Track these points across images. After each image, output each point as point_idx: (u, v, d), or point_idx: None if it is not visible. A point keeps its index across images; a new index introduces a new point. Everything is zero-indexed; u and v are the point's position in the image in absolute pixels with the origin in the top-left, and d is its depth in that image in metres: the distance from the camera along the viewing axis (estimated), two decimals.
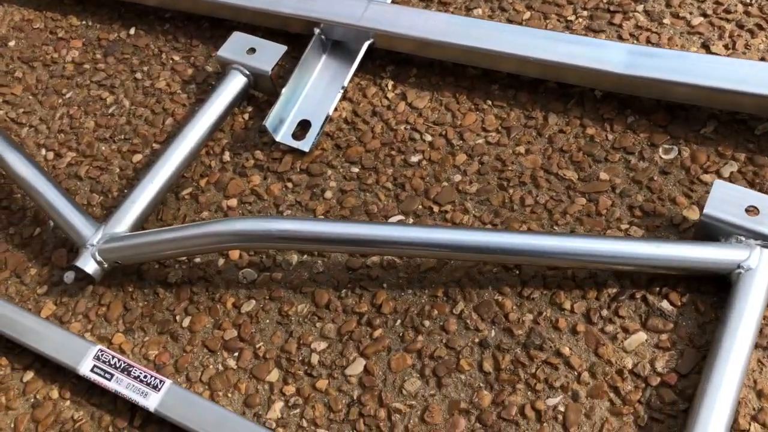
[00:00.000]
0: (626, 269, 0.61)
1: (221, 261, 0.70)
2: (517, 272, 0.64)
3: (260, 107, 0.81)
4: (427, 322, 0.63)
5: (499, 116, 0.74)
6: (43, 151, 0.84)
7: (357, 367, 0.62)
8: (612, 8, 0.79)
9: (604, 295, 0.62)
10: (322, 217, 0.71)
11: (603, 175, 0.68)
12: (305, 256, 0.69)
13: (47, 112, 0.87)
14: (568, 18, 0.80)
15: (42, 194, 0.71)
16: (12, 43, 0.96)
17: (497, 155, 0.71)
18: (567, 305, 0.62)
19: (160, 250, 0.66)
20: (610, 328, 0.60)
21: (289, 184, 0.74)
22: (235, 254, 0.70)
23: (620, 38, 0.77)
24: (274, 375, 0.63)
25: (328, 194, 0.73)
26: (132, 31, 0.93)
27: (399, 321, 0.64)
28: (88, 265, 0.67)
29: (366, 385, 0.61)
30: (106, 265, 0.68)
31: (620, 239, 0.62)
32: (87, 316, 0.70)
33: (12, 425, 0.65)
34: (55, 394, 0.66)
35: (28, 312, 0.68)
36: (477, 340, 0.62)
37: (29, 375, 0.67)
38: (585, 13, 0.79)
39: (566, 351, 0.60)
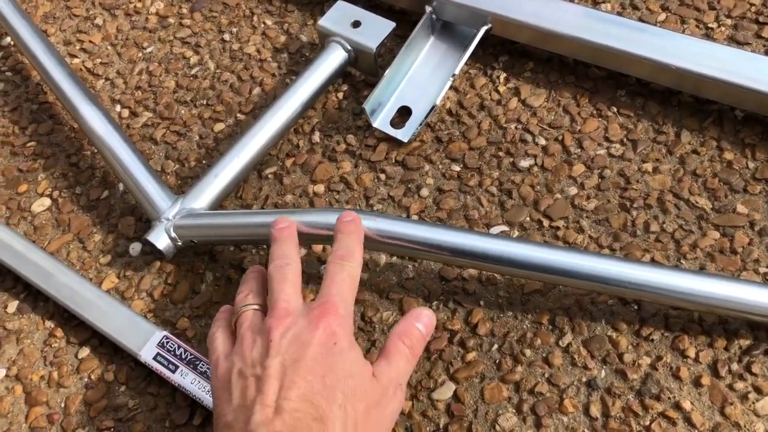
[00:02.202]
0: (761, 320, 0.53)
1: (302, 252, 0.64)
2: (636, 307, 0.57)
3: (356, 87, 0.74)
4: (528, 352, 0.56)
5: (625, 126, 0.66)
6: (118, 108, 0.78)
7: (446, 392, 0.56)
8: (761, 19, 0.70)
9: (734, 346, 0.54)
10: (416, 216, 0.65)
11: (740, 208, 0.60)
12: (394, 258, 0.62)
13: (125, 66, 0.82)
14: (709, 25, 0.71)
15: (117, 156, 0.65)
16: None
17: (620, 170, 0.64)
18: (691, 352, 0.54)
19: (243, 234, 0.60)
20: (740, 385, 0.53)
21: (382, 176, 0.67)
22: (318, 247, 0.64)
23: None
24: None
25: (424, 192, 0.66)
26: None
27: (496, 346, 0.57)
28: (161, 240, 0.62)
29: (454, 414, 0.55)
30: (179, 243, 0.62)
31: (758, 285, 0.54)
32: (151, 295, 0.64)
33: (63, 404, 0.60)
34: (110, 376, 0.60)
35: (90, 283, 0.62)
36: (584, 379, 0.55)
37: (85, 352, 0.62)
38: (729, 21, 0.71)
39: (687, 405, 0.52)
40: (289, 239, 0.54)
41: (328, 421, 0.43)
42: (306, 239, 0.57)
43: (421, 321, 0.52)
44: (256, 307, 0.51)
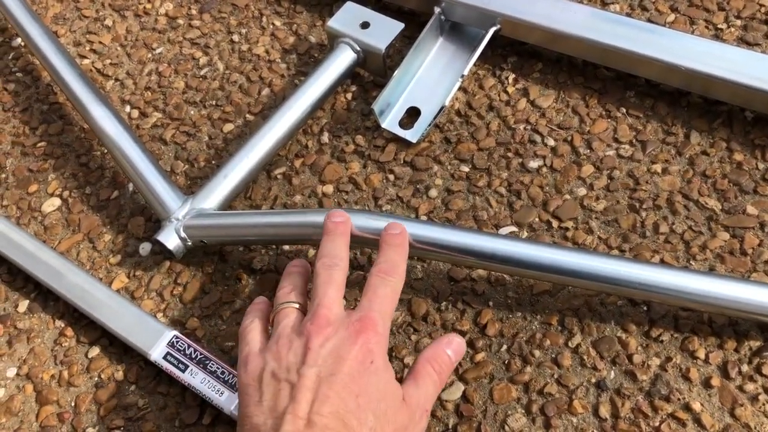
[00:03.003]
0: None
1: (312, 251, 0.64)
2: (645, 308, 0.57)
3: (365, 88, 0.74)
4: (537, 352, 0.56)
5: (634, 127, 0.66)
6: (128, 108, 0.78)
7: (455, 393, 0.56)
8: None
9: (744, 347, 0.54)
10: (425, 217, 0.65)
11: (750, 209, 0.60)
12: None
13: (135, 66, 0.82)
14: (719, 26, 0.71)
15: (127, 156, 0.66)
16: None
17: (629, 171, 0.64)
18: (701, 354, 0.54)
19: (252, 234, 0.60)
20: (750, 386, 0.53)
21: (391, 176, 0.68)
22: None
23: None
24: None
25: (433, 192, 0.66)
26: None
27: (505, 346, 0.57)
28: (171, 240, 0.62)
29: (464, 414, 0.55)
30: (189, 243, 0.62)
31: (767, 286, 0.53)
32: (161, 295, 0.64)
33: (73, 403, 0.60)
34: (120, 375, 0.61)
35: (100, 283, 0.63)
36: (594, 380, 0.55)
37: (95, 351, 0.62)
38: (738, 22, 0.71)
39: (697, 406, 0.52)
40: (343, 237, 0.53)
41: None
42: (315, 241, 0.57)
43: (452, 347, 0.52)
44: (297, 305, 0.51)
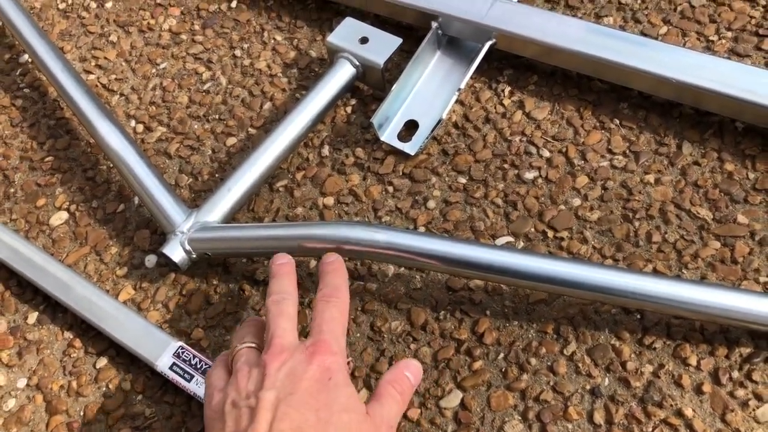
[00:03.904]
0: (761, 329, 0.55)
1: (313, 263, 0.66)
2: (639, 317, 0.58)
3: (364, 101, 0.76)
4: (533, 360, 0.58)
5: (628, 138, 0.68)
6: (133, 123, 0.80)
7: (453, 400, 0.57)
8: (761, 32, 0.71)
9: (735, 354, 0.56)
10: (423, 228, 0.66)
11: (741, 218, 0.61)
12: (402, 269, 0.64)
13: (139, 82, 0.84)
14: (710, 38, 0.72)
15: (133, 170, 0.67)
16: (109, 5, 0.92)
17: (623, 182, 0.65)
18: (693, 360, 0.56)
19: (256, 246, 0.62)
20: (740, 392, 0.54)
21: (390, 188, 0.69)
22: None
23: None
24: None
25: (431, 204, 0.67)
26: (234, 3, 0.88)
27: (502, 354, 0.59)
28: (176, 253, 0.63)
29: (462, 421, 0.56)
30: (194, 255, 0.64)
31: (758, 295, 0.55)
32: (167, 306, 0.66)
33: (82, 413, 0.62)
34: (127, 385, 0.62)
35: (107, 295, 0.64)
36: (588, 387, 0.56)
37: (103, 362, 0.64)
38: (729, 34, 0.72)
39: (689, 412, 0.54)
40: (288, 275, 0.56)
41: None
42: (317, 253, 0.59)
43: (410, 370, 0.53)
44: (252, 345, 0.52)
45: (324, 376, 0.47)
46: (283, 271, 0.56)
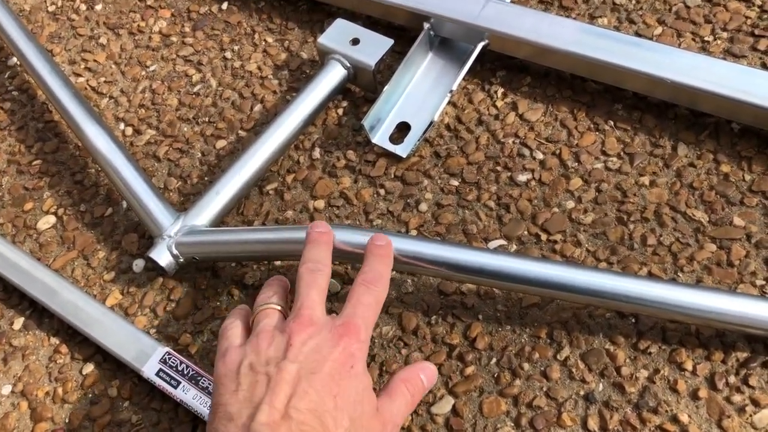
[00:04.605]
0: (758, 333, 0.54)
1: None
2: (633, 321, 0.57)
3: (356, 103, 0.75)
4: (526, 365, 0.57)
5: (622, 140, 0.67)
6: (122, 126, 0.79)
7: (445, 406, 0.56)
8: (757, 32, 0.70)
9: (731, 358, 0.55)
10: (415, 231, 0.65)
11: (737, 221, 0.60)
12: (393, 272, 0.63)
13: (129, 84, 0.83)
14: (705, 38, 0.71)
15: (120, 174, 0.66)
16: (99, 7, 0.91)
17: (617, 184, 0.64)
18: (688, 365, 0.55)
19: (245, 250, 0.61)
20: (737, 397, 0.53)
21: (382, 191, 0.68)
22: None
23: (764, 66, 0.68)
24: None
25: (423, 207, 0.66)
26: (224, 5, 0.87)
27: (494, 360, 0.58)
28: (163, 257, 0.62)
29: (453, 428, 0.55)
30: (181, 260, 0.63)
31: (754, 298, 0.54)
32: (154, 311, 0.65)
33: (67, 420, 0.61)
34: (114, 392, 0.61)
35: (94, 300, 0.63)
36: (582, 392, 0.55)
37: (89, 368, 0.63)
38: (725, 34, 0.71)
39: (684, 418, 0.53)
40: (326, 245, 0.54)
41: None
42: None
43: (425, 373, 0.52)
44: (278, 307, 0.51)
45: (348, 362, 0.46)
46: (323, 239, 0.54)
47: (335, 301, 0.62)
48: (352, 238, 0.56)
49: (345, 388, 0.45)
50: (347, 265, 0.64)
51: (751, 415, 0.52)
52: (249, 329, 0.51)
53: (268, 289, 0.53)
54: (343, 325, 0.48)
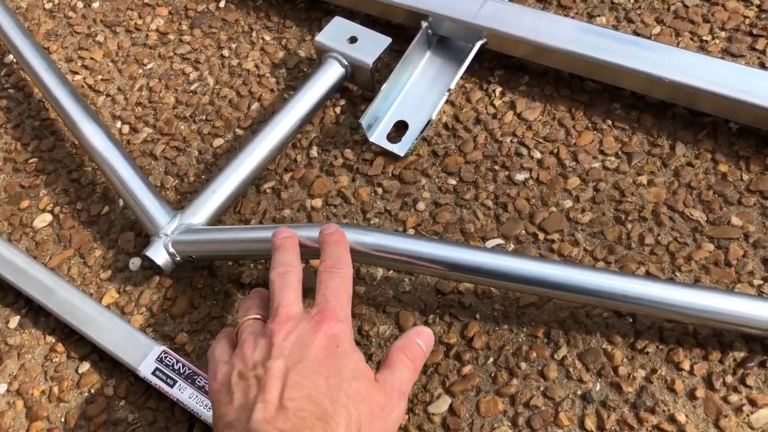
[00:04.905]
0: (755, 333, 0.54)
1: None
2: (631, 320, 0.57)
3: (354, 101, 0.74)
4: (523, 365, 0.57)
5: (620, 139, 0.66)
6: (119, 124, 0.79)
7: (442, 406, 0.56)
8: (755, 31, 0.70)
9: (729, 358, 0.55)
10: (413, 230, 0.65)
11: (735, 220, 0.60)
12: (391, 272, 0.63)
13: (126, 82, 0.82)
14: (704, 38, 0.71)
15: (117, 172, 0.66)
16: (96, 5, 0.91)
17: (615, 183, 0.64)
18: (686, 365, 0.55)
19: (241, 249, 0.61)
20: (734, 397, 0.53)
21: (379, 190, 0.68)
22: (316, 260, 0.64)
23: (763, 66, 0.68)
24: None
25: (421, 206, 0.66)
26: (222, 3, 0.87)
27: (492, 359, 0.57)
28: (159, 256, 0.62)
29: (450, 427, 0.55)
30: (178, 258, 0.63)
31: (752, 298, 0.54)
32: (150, 310, 0.65)
33: (63, 419, 0.60)
34: (110, 391, 0.61)
35: (90, 299, 0.63)
36: (580, 392, 0.55)
37: (85, 366, 0.63)
38: (723, 34, 0.71)
39: (681, 418, 0.53)
40: (291, 248, 0.55)
41: (331, 421, 0.43)
42: (309, 253, 0.57)
43: (421, 337, 0.53)
44: (257, 316, 0.52)
45: (332, 343, 0.47)
46: (288, 244, 0.55)
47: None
48: (353, 238, 0.56)
49: (335, 367, 0.46)
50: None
51: (748, 415, 0.52)
52: (233, 345, 0.51)
53: (246, 302, 0.54)
54: (318, 313, 0.49)
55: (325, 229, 0.56)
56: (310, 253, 0.58)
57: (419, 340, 0.52)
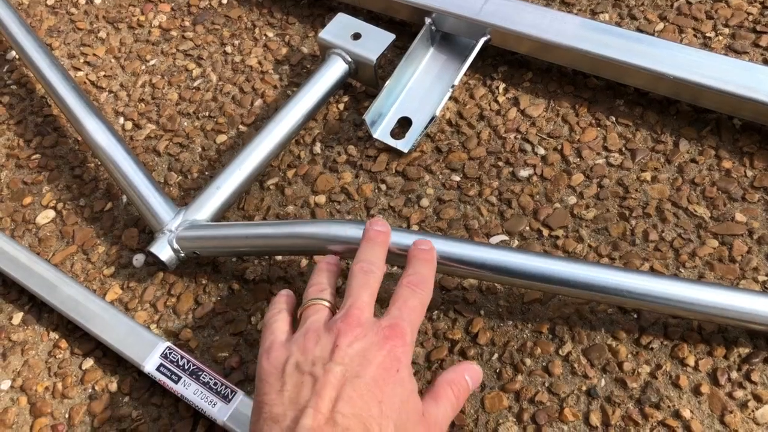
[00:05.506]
0: (760, 329, 0.54)
1: (304, 261, 0.65)
2: (635, 316, 0.57)
3: (357, 98, 0.74)
4: (528, 361, 0.57)
5: (624, 135, 0.66)
6: (121, 120, 0.79)
7: None
8: (759, 28, 0.70)
9: (734, 354, 0.55)
10: (416, 227, 0.65)
11: (739, 216, 0.60)
12: (395, 268, 0.63)
13: (129, 78, 0.82)
14: (707, 34, 0.71)
15: (120, 168, 0.66)
16: (98, 1, 0.91)
17: (619, 179, 0.64)
18: (690, 361, 0.55)
19: (245, 245, 0.61)
20: (739, 393, 0.53)
21: (383, 186, 0.68)
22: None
23: (766, 62, 0.68)
24: None
25: (425, 202, 0.66)
26: (224, 0, 0.87)
27: (496, 355, 0.57)
28: (163, 252, 0.62)
29: (455, 423, 0.55)
30: (182, 254, 0.63)
31: (756, 294, 0.54)
32: (155, 306, 0.65)
33: (67, 415, 0.60)
34: (114, 387, 0.61)
35: (94, 295, 0.63)
36: (584, 388, 0.55)
37: (89, 363, 0.63)
38: (726, 30, 0.71)
39: (686, 413, 0.53)
40: (382, 246, 0.54)
41: None
42: (309, 252, 0.57)
43: (470, 374, 0.52)
44: (327, 304, 0.51)
45: (393, 366, 0.45)
46: (380, 239, 0.54)
47: (337, 295, 0.62)
48: (356, 233, 0.56)
49: (390, 393, 0.44)
50: (348, 260, 0.64)
51: (753, 411, 0.52)
52: (293, 320, 0.51)
53: (319, 279, 0.52)
54: (389, 327, 0.47)
55: (420, 243, 0.53)
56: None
57: (467, 376, 0.51)
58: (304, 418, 0.42)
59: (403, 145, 0.69)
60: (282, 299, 0.53)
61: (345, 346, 0.45)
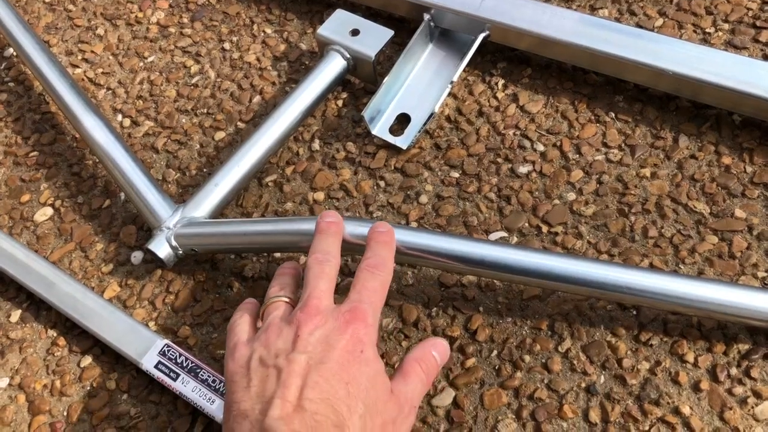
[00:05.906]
0: (759, 325, 0.54)
1: (303, 259, 0.64)
2: (635, 312, 0.57)
3: (356, 94, 0.74)
4: (527, 357, 0.56)
5: (623, 131, 0.66)
6: (119, 117, 0.79)
7: (445, 399, 0.56)
8: (758, 23, 0.70)
9: (733, 350, 0.55)
10: (415, 223, 0.65)
11: (739, 213, 0.60)
12: (394, 264, 0.62)
13: (127, 75, 0.82)
14: (707, 30, 0.71)
15: (118, 165, 0.66)
16: None
17: (618, 176, 0.64)
18: (690, 357, 0.55)
19: (244, 242, 0.61)
20: (739, 389, 0.53)
21: (382, 183, 0.68)
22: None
23: (766, 57, 0.68)
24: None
25: (423, 199, 0.66)
26: None
27: (495, 352, 0.57)
28: (162, 249, 0.62)
29: (454, 420, 0.55)
30: (180, 252, 0.62)
31: (756, 290, 0.53)
32: (153, 303, 0.65)
33: (65, 413, 0.60)
34: (112, 384, 0.61)
35: (93, 293, 0.63)
36: (584, 384, 0.55)
37: (87, 360, 0.62)
38: (726, 26, 0.71)
39: (686, 410, 0.52)
40: (335, 235, 0.54)
41: (347, 430, 0.43)
42: (349, 249, 0.57)
43: (437, 349, 0.52)
44: (286, 299, 0.51)
45: (356, 347, 0.46)
46: (332, 230, 0.54)
47: (336, 292, 0.62)
48: (355, 229, 0.56)
49: (356, 374, 0.45)
50: (347, 258, 0.63)
51: (752, 407, 0.52)
52: (256, 323, 0.51)
53: (277, 281, 0.53)
54: (349, 311, 0.48)
55: (378, 227, 0.54)
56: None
57: (435, 352, 0.52)
58: (272, 409, 0.42)
59: (401, 141, 0.69)
60: (245, 305, 0.53)
61: (306, 334, 0.46)
